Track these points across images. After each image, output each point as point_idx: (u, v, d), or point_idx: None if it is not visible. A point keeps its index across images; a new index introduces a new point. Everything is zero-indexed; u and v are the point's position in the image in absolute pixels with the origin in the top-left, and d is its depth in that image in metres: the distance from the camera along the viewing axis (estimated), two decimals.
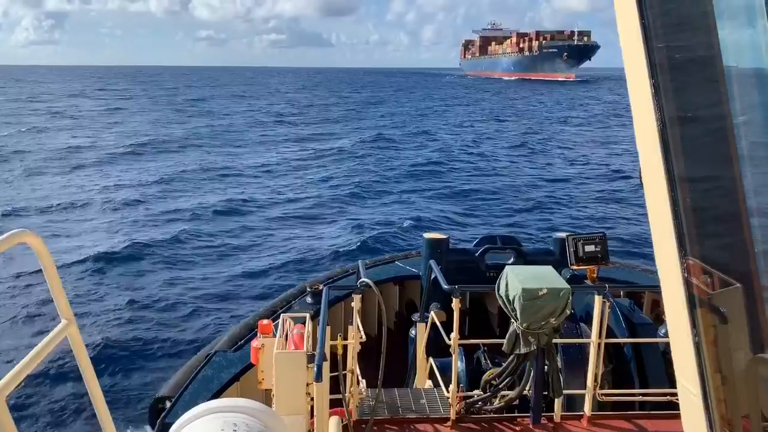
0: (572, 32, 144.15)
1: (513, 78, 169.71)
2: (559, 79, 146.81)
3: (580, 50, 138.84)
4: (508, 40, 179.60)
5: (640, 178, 1.71)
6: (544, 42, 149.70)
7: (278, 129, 55.29)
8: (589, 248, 6.53)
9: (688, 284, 1.61)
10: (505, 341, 4.47)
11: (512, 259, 7.21)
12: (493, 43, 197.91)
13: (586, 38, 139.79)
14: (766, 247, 1.71)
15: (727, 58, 1.64)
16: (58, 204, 23.57)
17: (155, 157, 36.64)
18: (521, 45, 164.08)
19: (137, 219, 21.67)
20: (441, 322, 5.33)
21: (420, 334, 6.19)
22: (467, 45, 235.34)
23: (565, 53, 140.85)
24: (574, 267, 6.59)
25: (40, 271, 2.00)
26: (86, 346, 2.10)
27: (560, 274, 4.64)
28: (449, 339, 4.89)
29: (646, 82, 1.59)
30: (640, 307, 7.27)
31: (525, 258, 7.16)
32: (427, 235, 7.63)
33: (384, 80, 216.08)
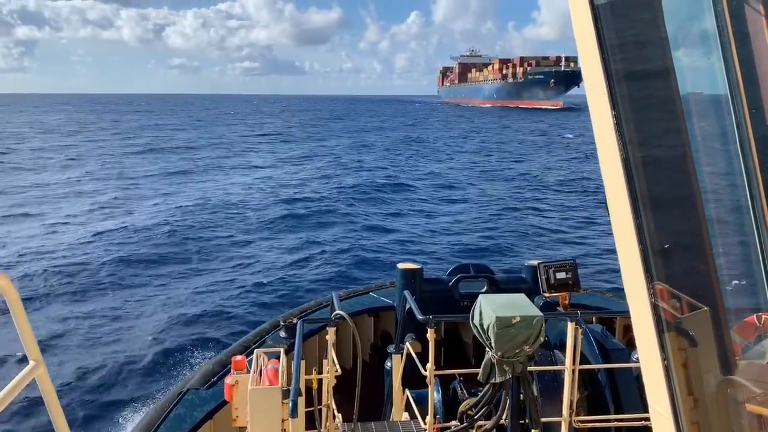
0: (558, 58, 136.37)
1: (495, 106, 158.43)
2: (546, 107, 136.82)
3: (568, 76, 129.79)
4: (490, 67, 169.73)
5: (606, 205, 1.74)
6: (529, 68, 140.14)
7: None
8: (561, 275, 6.59)
9: (656, 308, 1.65)
10: (480, 370, 4.36)
11: (485, 288, 7.17)
12: (473, 69, 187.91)
13: (573, 64, 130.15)
14: (731, 271, 1.79)
15: (684, 85, 1.72)
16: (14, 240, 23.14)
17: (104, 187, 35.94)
18: (504, 71, 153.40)
19: (101, 252, 21.16)
20: (416, 353, 5.30)
21: (396, 365, 6.13)
22: (445, 72, 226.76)
23: (552, 80, 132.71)
24: (547, 294, 6.65)
25: (7, 312, 2.04)
26: (55, 387, 2.15)
27: (533, 302, 4.62)
28: (425, 370, 4.87)
29: (608, 112, 1.65)
30: (613, 332, 7.32)
31: (498, 286, 7.13)
32: (401, 266, 7.49)
33: (362, 107, 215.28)
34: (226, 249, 22.43)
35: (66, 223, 26.45)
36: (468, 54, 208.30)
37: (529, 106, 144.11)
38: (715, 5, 1.91)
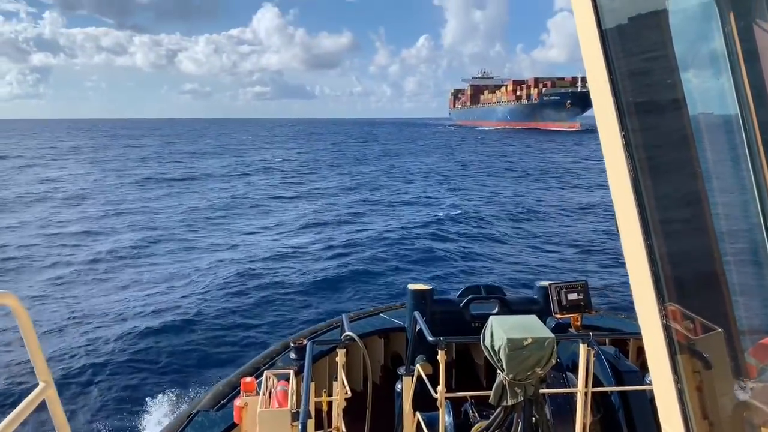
0: (574, 78, 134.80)
1: (513, 128, 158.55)
2: (563, 128, 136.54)
3: (584, 97, 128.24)
4: (503, 88, 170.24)
5: (617, 226, 1.73)
6: (544, 89, 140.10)
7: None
8: (572, 296, 6.61)
9: (668, 330, 1.63)
10: (492, 393, 4.32)
11: (497, 309, 7.09)
12: (486, 91, 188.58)
13: None
14: (745, 292, 1.76)
15: (694, 106, 1.72)
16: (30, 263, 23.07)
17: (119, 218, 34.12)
18: (518, 93, 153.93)
19: (115, 276, 21.14)
20: (427, 375, 5.24)
21: (406, 387, 6.01)
22: (456, 94, 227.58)
23: (569, 101, 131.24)
24: (558, 315, 6.61)
25: (17, 332, 2.07)
26: (65, 409, 2.14)
27: (545, 323, 4.60)
28: (436, 392, 4.82)
29: (617, 134, 1.65)
30: (626, 354, 7.29)
31: (509, 307, 7.05)
32: (412, 286, 7.38)
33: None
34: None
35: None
36: (480, 76, 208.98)
37: (546, 128, 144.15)
38: (723, 25, 1.93)
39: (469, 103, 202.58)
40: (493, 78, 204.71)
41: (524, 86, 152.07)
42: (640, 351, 7.60)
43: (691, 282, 1.75)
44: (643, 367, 6.15)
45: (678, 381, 1.63)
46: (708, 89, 1.98)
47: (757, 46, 1.90)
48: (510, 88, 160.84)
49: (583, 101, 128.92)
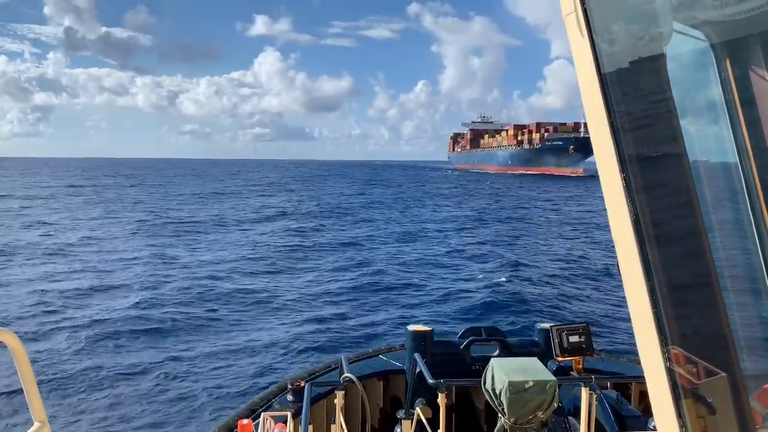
0: (577, 124, 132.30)
1: (514, 173, 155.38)
2: (566, 174, 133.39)
3: (588, 143, 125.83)
4: (504, 132, 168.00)
5: (618, 268, 1.75)
6: (546, 134, 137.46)
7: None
8: (574, 339, 6.45)
9: (671, 374, 1.62)
10: None
11: (497, 351, 6.98)
12: (486, 135, 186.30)
13: None
14: (749, 336, 1.76)
15: (693, 152, 1.74)
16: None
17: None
18: (519, 137, 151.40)
19: (106, 317, 20.41)
20: (427, 419, 5.22)
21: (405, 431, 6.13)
22: (456, 138, 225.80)
23: (572, 146, 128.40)
24: (560, 358, 6.50)
25: (14, 371, 2.06)
26: None
27: (546, 366, 4.61)
28: None
29: (618, 178, 1.68)
30: (628, 398, 7.28)
31: (510, 349, 6.96)
32: (411, 328, 7.24)
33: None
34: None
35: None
36: (479, 120, 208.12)
37: (548, 173, 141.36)
38: (720, 72, 1.96)
39: (468, 147, 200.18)
40: (492, 122, 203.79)
41: (526, 131, 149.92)
42: (643, 395, 7.49)
43: (694, 325, 1.74)
44: (646, 412, 6.15)
45: (683, 426, 1.61)
46: (706, 135, 2.02)
47: (754, 92, 1.94)
48: (511, 132, 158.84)
49: (585, 147, 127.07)
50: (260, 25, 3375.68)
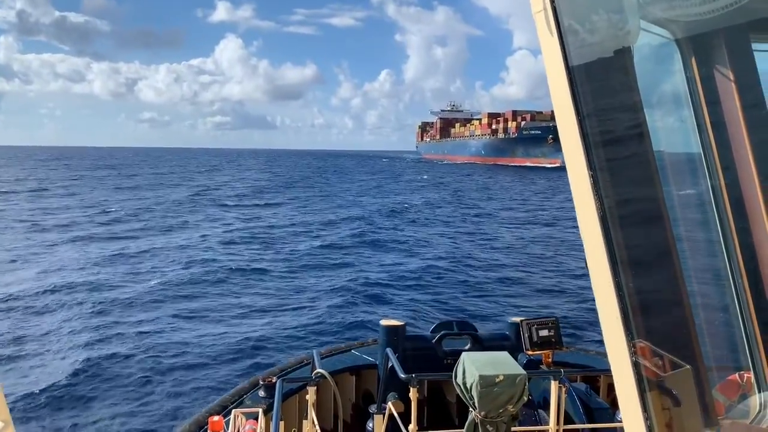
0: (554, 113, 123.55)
1: (483, 162, 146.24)
2: (543, 164, 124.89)
3: None
4: (477, 122, 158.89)
5: (586, 263, 1.75)
6: (523, 123, 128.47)
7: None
8: (543, 332, 6.53)
9: (637, 367, 1.64)
10: (464, 431, 4.29)
11: (469, 345, 7.05)
12: (457, 124, 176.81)
13: None
14: (712, 330, 1.80)
15: (658, 145, 1.77)
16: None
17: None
18: (494, 126, 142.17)
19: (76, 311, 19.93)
20: (399, 413, 5.23)
21: (377, 426, 6.02)
22: (425, 127, 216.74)
23: (551, 136, 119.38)
24: (530, 352, 6.59)
25: None
26: None
27: (516, 360, 4.63)
28: (407, 431, 4.85)
29: (585, 172, 1.69)
30: (597, 391, 7.33)
31: (482, 343, 6.97)
32: (384, 322, 7.18)
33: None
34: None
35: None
36: (449, 109, 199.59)
37: (524, 164, 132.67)
38: (686, 69, 2.01)
39: (438, 137, 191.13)
40: (462, 111, 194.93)
41: (501, 119, 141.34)
42: (611, 388, 7.32)
43: (660, 319, 1.74)
44: (614, 404, 6.08)
45: (647, 418, 1.62)
46: (671, 130, 2.04)
47: (718, 88, 1.98)
48: (485, 121, 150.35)
49: None
50: (222, 11, 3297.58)
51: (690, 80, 1.98)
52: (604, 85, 1.77)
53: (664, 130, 1.89)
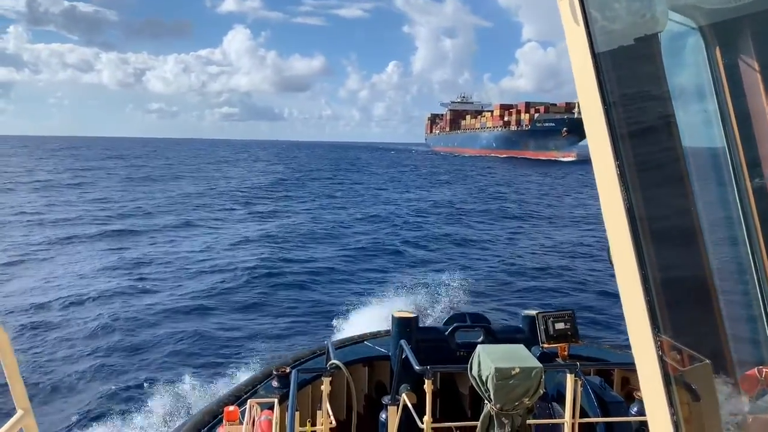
0: (569, 104, 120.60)
1: (496, 156, 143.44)
2: (558, 158, 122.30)
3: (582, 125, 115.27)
4: (489, 113, 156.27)
5: (609, 257, 1.72)
6: (536, 115, 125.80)
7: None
8: (560, 325, 6.49)
9: (663, 361, 1.64)
10: (479, 424, 4.30)
11: (482, 338, 6.97)
12: (468, 116, 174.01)
13: None
14: (733, 324, 1.79)
15: (685, 136, 1.73)
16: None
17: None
18: (506, 118, 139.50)
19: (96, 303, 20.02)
20: (412, 405, 5.25)
21: (391, 417, 6.01)
22: (434, 119, 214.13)
23: (565, 129, 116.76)
24: (545, 345, 6.52)
25: None
26: None
27: (531, 352, 4.62)
28: (421, 422, 4.81)
29: (612, 163, 1.65)
30: (611, 384, 7.29)
31: (495, 336, 6.96)
32: (396, 314, 7.20)
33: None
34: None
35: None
36: (459, 100, 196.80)
37: (537, 157, 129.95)
38: (710, 61, 1.95)
39: (448, 129, 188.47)
40: (473, 103, 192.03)
41: (513, 111, 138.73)
42: (625, 381, 7.46)
43: (685, 313, 1.73)
44: (628, 398, 6.22)
45: (674, 413, 1.62)
46: (698, 121, 1.99)
47: (743, 78, 1.92)
48: (497, 113, 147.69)
49: (579, 129, 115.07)
50: (230, 2, 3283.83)
51: (715, 69, 1.93)
52: (630, 74, 1.74)
53: (691, 122, 1.87)
